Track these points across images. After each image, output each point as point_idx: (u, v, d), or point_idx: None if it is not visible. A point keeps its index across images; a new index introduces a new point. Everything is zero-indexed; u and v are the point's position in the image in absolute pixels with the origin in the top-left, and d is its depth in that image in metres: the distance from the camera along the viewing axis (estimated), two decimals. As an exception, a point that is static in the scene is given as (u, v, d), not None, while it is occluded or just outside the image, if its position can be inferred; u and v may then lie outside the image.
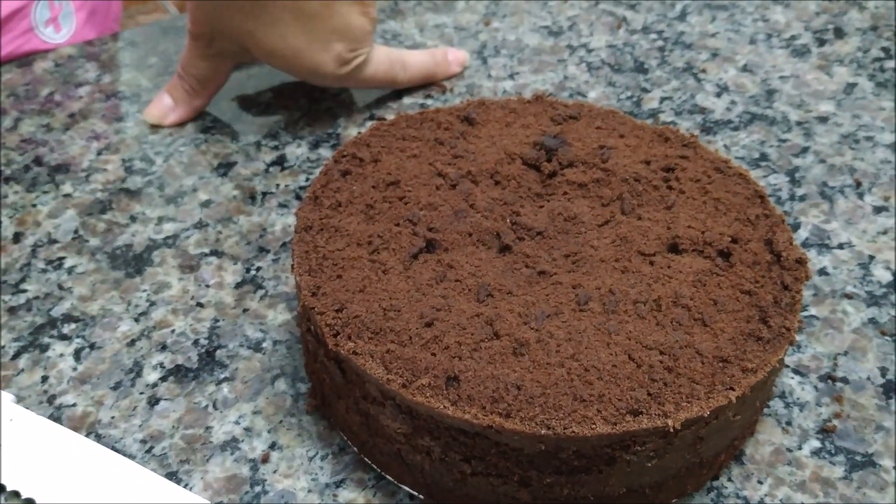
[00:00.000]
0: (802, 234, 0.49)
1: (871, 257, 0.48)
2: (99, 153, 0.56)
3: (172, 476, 0.38)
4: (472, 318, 0.34)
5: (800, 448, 0.39)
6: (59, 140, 0.57)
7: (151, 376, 0.42)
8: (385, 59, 0.57)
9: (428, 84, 0.62)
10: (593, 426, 0.31)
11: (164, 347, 0.43)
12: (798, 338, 0.43)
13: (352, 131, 0.58)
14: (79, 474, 0.36)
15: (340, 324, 0.34)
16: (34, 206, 0.52)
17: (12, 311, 0.45)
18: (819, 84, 0.61)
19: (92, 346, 0.43)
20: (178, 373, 0.42)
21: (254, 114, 0.60)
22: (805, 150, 0.55)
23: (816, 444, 0.39)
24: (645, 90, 0.61)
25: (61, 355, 0.43)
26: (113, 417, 0.40)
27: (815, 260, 0.48)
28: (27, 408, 0.40)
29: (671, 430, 0.31)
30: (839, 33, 0.67)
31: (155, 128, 0.58)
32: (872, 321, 0.44)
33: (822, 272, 0.47)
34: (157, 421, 0.40)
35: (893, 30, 0.67)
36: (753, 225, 0.39)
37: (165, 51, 0.66)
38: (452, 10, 0.70)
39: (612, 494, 0.34)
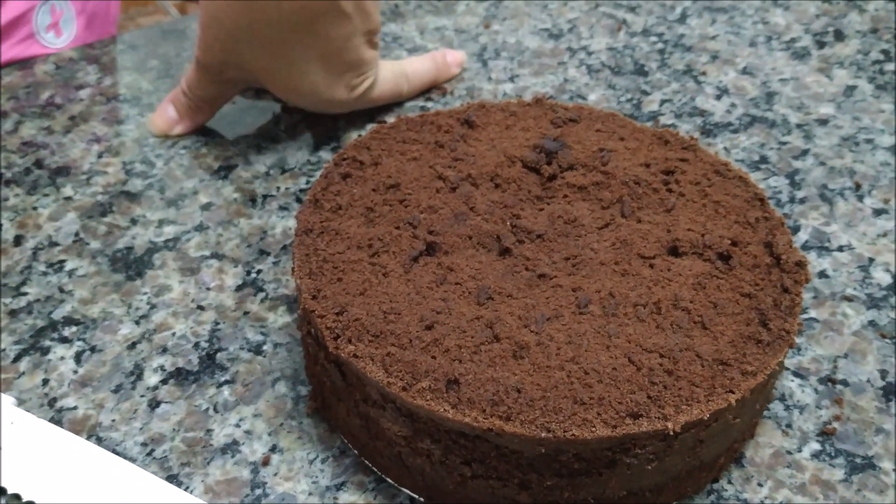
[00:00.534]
0: (802, 236, 0.49)
1: (871, 260, 0.48)
2: (99, 156, 0.56)
3: (173, 479, 0.38)
4: (472, 321, 0.34)
5: (800, 450, 0.39)
6: (59, 143, 0.57)
7: (152, 379, 0.42)
8: (390, 77, 0.57)
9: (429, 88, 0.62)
10: (593, 429, 0.31)
11: (164, 350, 0.43)
12: (798, 340, 0.43)
13: (352, 134, 0.58)
14: (79, 477, 0.36)
15: (341, 327, 0.34)
16: (35, 208, 0.52)
17: (13, 313, 0.45)
18: (819, 86, 0.61)
19: (93, 349, 0.43)
20: (178, 376, 0.42)
21: (254, 117, 0.60)
22: (805, 152, 0.55)
23: (816, 446, 0.39)
24: (645, 93, 0.61)
25: (62, 358, 0.43)
26: (114, 420, 0.40)
27: (815, 262, 0.48)
28: (28, 411, 0.40)
29: (671, 432, 0.31)
30: (839, 36, 0.67)
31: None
32: (872, 324, 0.44)
33: (822, 275, 0.47)
34: (158, 424, 0.40)
35: (893, 32, 0.67)
36: (753, 228, 0.39)
37: (166, 53, 0.67)
38: (453, 13, 0.71)
39: (612, 497, 0.34)
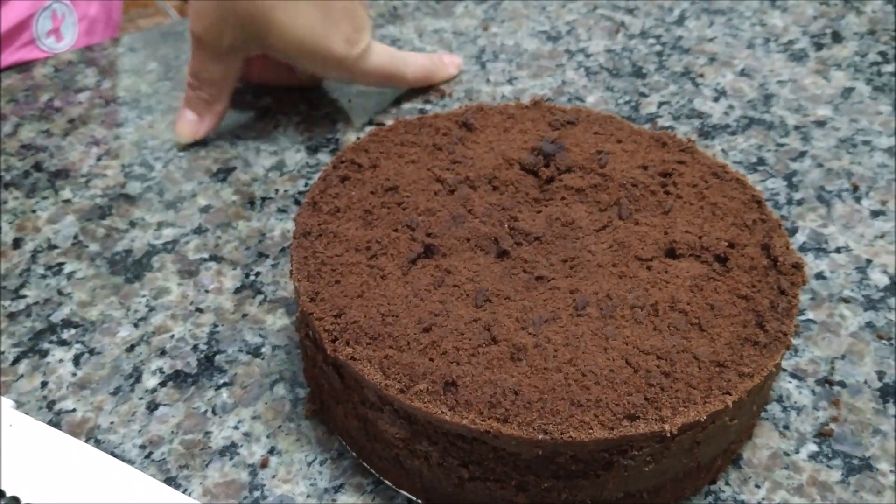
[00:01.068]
0: (800, 238, 0.50)
1: (869, 261, 0.48)
2: (98, 159, 0.56)
3: (171, 481, 0.38)
4: (469, 323, 0.34)
5: (797, 452, 0.39)
6: (58, 146, 0.57)
7: (151, 382, 0.42)
8: (386, 53, 0.58)
9: (427, 87, 0.62)
10: (590, 431, 0.31)
11: (163, 353, 0.43)
12: (795, 342, 0.43)
13: (350, 137, 0.58)
14: (78, 480, 0.36)
15: (339, 329, 0.34)
16: (34, 211, 0.52)
17: (12, 316, 0.45)
18: (816, 88, 0.62)
19: (91, 352, 0.43)
20: (177, 378, 0.42)
21: (253, 119, 0.60)
22: (802, 154, 0.56)
23: (814, 447, 0.39)
24: (643, 95, 0.61)
25: (61, 361, 0.43)
26: (112, 423, 0.40)
27: (813, 264, 0.48)
28: (26, 413, 0.40)
29: (668, 434, 0.31)
30: (837, 37, 0.67)
31: (154, 132, 0.58)
32: (869, 325, 0.44)
33: (820, 276, 0.47)
34: (157, 426, 0.40)
35: (891, 34, 0.67)
36: (750, 229, 0.39)
37: (165, 56, 0.67)
38: (451, 15, 0.71)
39: (610, 499, 0.34)
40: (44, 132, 0.59)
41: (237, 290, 0.47)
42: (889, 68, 0.63)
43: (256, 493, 0.37)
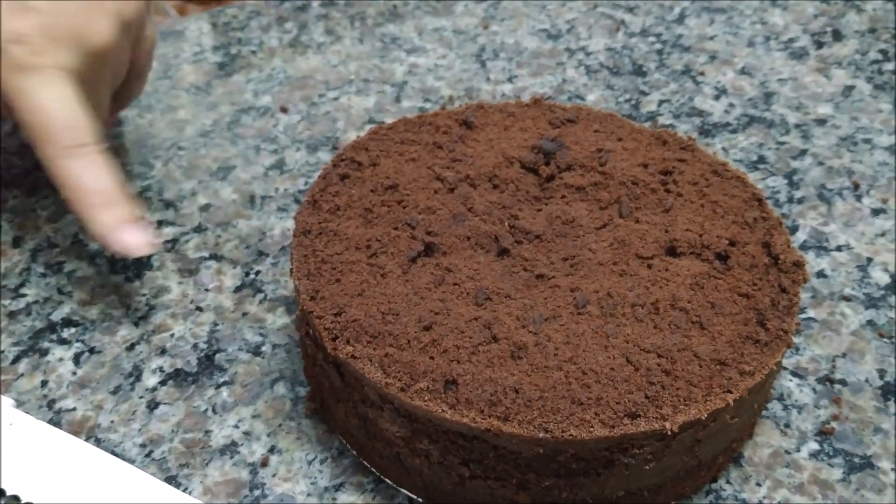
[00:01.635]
0: (801, 236, 0.50)
1: (870, 259, 0.48)
2: (98, 157, 0.56)
3: (172, 480, 0.38)
4: (470, 321, 0.34)
5: (798, 450, 0.39)
6: (58, 144, 0.57)
7: (151, 380, 0.42)
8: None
9: (420, 88, 0.62)
10: (591, 429, 0.31)
11: (163, 351, 0.43)
12: (796, 340, 0.43)
13: (350, 135, 0.58)
14: (78, 478, 0.36)
15: (339, 328, 0.34)
16: (34, 210, 0.52)
17: (12, 315, 0.45)
18: (817, 86, 0.61)
19: (91, 351, 0.43)
20: (177, 377, 0.42)
21: (252, 118, 0.60)
22: (803, 152, 0.56)
23: (815, 446, 0.39)
24: (643, 93, 0.61)
25: (61, 360, 0.43)
26: (112, 422, 0.40)
27: (814, 262, 0.48)
28: (26, 412, 0.40)
29: (669, 432, 0.31)
30: (837, 36, 0.67)
31: (154, 131, 0.58)
32: (871, 323, 0.44)
33: (821, 274, 0.47)
34: (157, 425, 0.40)
35: (891, 32, 0.67)
36: (751, 228, 0.39)
37: (164, 55, 0.67)
38: (451, 14, 0.71)
39: (611, 497, 0.34)
40: (43, 131, 0.59)
41: (237, 289, 0.47)
42: (889, 66, 0.63)
43: (257, 492, 0.37)
